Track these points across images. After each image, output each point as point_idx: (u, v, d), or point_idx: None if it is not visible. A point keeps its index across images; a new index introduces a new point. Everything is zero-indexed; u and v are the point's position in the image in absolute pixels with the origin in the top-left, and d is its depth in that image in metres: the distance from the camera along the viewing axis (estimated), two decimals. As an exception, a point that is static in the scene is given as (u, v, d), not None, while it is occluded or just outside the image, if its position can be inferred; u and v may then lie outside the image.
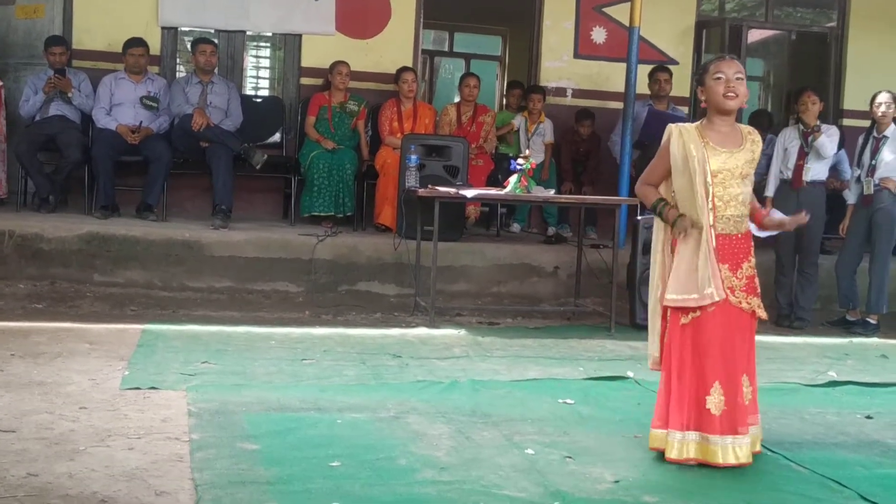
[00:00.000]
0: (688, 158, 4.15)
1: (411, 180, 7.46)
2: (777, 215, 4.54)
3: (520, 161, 7.14)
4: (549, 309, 7.85)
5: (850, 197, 7.92)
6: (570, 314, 7.61)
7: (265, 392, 4.86)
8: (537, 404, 4.96)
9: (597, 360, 6.18)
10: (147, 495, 3.44)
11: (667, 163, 4.24)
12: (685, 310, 4.13)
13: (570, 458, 4.12)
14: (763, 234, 4.51)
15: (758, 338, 7.17)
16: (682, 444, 4.09)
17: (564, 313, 7.68)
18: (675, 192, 4.28)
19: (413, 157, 7.53)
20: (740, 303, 4.16)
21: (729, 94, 4.14)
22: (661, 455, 4.16)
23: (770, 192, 7.96)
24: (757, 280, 4.26)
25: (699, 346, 4.11)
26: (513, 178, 7.15)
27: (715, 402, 4.07)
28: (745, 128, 4.34)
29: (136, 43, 8.50)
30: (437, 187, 7.25)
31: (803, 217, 4.48)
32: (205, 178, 8.45)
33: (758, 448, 4.22)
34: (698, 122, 4.31)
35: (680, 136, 4.20)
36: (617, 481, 3.85)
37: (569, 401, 5.00)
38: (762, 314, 4.25)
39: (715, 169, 4.13)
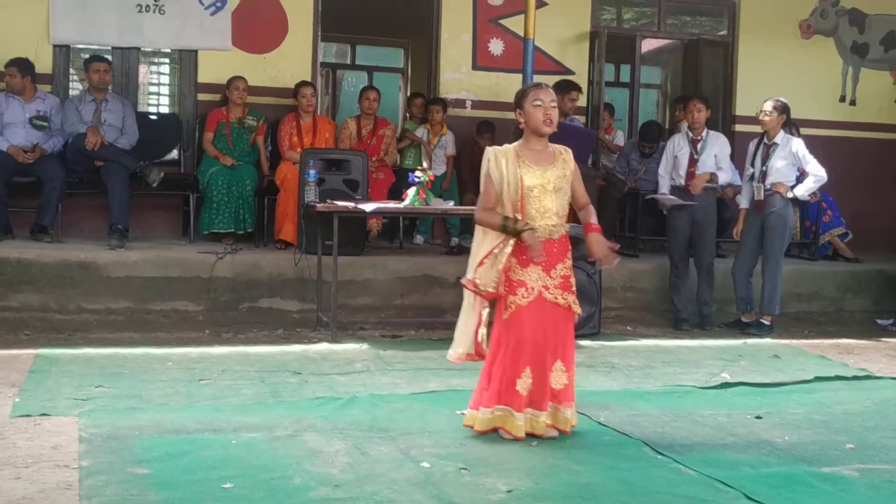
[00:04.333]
0: (503, 180, 4.64)
1: (311, 195, 7.43)
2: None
3: (418, 173, 7.17)
4: (451, 320, 7.72)
5: (742, 201, 8.13)
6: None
7: (159, 415, 4.81)
8: (435, 416, 4.99)
9: (497, 369, 6.22)
10: (32, 526, 3.38)
11: (494, 185, 4.68)
12: (505, 305, 4.64)
13: (465, 469, 4.16)
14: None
15: (655, 342, 7.45)
16: (491, 418, 4.61)
17: (467, 324, 7.71)
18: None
19: (312, 171, 7.51)
20: (556, 298, 4.66)
21: (546, 120, 4.66)
22: (552, 467, 4.27)
23: (664, 189, 8.19)
24: (573, 280, 4.75)
25: (516, 336, 4.61)
26: (411, 191, 7.18)
27: (524, 384, 4.60)
28: (559, 148, 4.78)
29: (8, 63, 8.32)
30: (335, 201, 7.24)
31: (613, 254, 4.83)
32: (101, 197, 8.30)
33: (567, 428, 4.69)
34: (516, 144, 4.74)
35: (496, 158, 4.68)
36: (510, 491, 3.90)
37: (466, 412, 5.03)
38: (577, 309, 4.74)
39: (530, 185, 4.63)
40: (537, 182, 4.64)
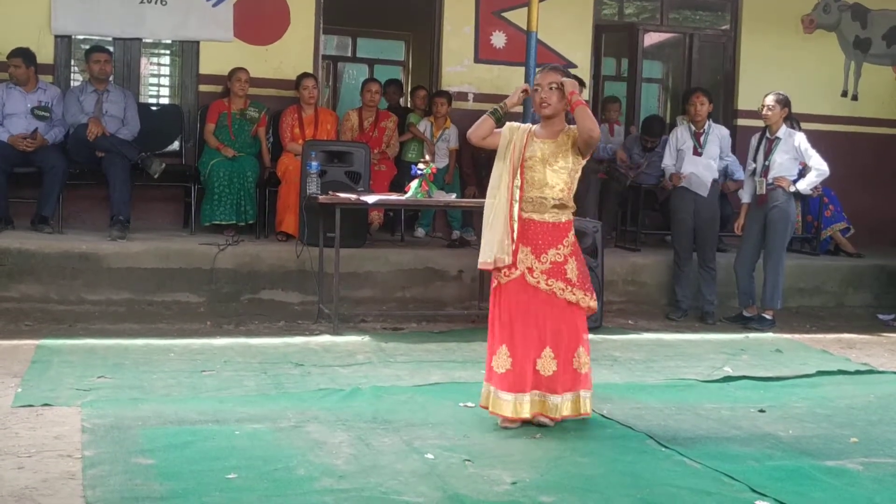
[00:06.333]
0: (509, 145, 4.74)
1: (312, 187, 7.42)
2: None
3: (420, 166, 7.16)
4: (453, 312, 7.89)
5: (744, 196, 8.12)
6: (474, 317, 7.64)
7: (162, 405, 4.80)
8: (438, 408, 4.98)
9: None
10: (36, 515, 3.37)
11: (497, 133, 4.83)
12: (496, 274, 4.73)
13: (469, 461, 4.15)
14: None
15: (657, 335, 7.45)
16: (487, 396, 4.73)
17: (469, 316, 7.72)
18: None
19: (314, 163, 7.49)
20: (538, 283, 4.67)
21: (543, 104, 4.73)
22: (557, 459, 4.27)
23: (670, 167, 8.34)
24: (568, 268, 4.72)
25: (496, 311, 4.72)
26: (413, 183, 7.16)
27: (499, 362, 4.65)
28: (572, 127, 4.76)
29: (12, 54, 8.29)
30: (337, 193, 7.23)
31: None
32: (102, 188, 8.27)
33: (556, 416, 4.66)
34: (538, 125, 4.90)
35: (510, 128, 4.82)
36: (514, 483, 3.89)
37: (469, 404, 5.02)
38: (568, 296, 4.69)
39: (528, 155, 4.71)
40: (533, 154, 4.71)
